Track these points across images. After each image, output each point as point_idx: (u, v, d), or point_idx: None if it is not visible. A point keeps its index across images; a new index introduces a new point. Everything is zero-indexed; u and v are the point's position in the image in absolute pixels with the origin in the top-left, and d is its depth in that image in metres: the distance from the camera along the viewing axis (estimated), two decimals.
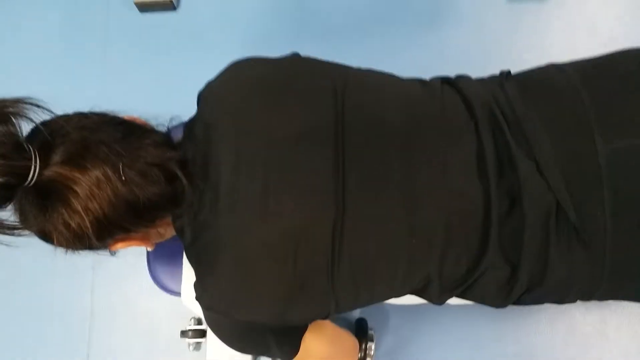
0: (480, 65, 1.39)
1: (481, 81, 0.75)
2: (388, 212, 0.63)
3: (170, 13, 1.62)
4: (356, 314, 1.17)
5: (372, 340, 0.97)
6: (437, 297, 0.69)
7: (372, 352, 0.95)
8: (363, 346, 0.94)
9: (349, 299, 0.65)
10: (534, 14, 1.43)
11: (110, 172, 0.56)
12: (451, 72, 1.39)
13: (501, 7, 1.44)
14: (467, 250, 0.65)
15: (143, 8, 1.61)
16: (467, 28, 1.45)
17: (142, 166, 0.59)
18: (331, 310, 0.65)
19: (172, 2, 1.58)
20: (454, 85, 0.72)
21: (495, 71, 1.40)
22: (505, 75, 0.74)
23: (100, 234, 0.58)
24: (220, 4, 1.60)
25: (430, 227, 0.64)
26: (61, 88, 1.57)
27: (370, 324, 1.07)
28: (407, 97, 0.70)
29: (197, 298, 0.64)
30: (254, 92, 0.67)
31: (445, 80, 0.75)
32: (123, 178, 0.56)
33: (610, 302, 0.80)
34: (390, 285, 0.67)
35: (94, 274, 1.45)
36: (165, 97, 1.48)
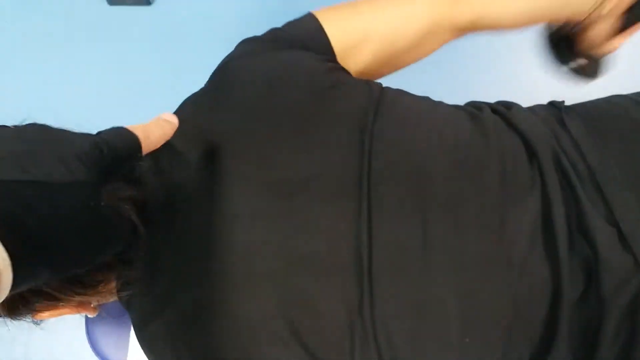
0: (474, 80, 1.28)
1: (534, 113, 0.57)
2: (430, 297, 0.46)
3: (143, 8, 1.44)
4: None
5: None
6: None
7: None
8: None
9: None
10: (534, 29, 1.30)
11: None
12: (440, 88, 1.26)
13: None
14: (529, 348, 0.48)
15: (113, 0, 1.43)
16: (460, 41, 1.31)
17: None
18: None
19: None
20: (507, 119, 0.55)
21: (490, 92, 1.24)
22: (563, 108, 0.57)
23: (11, 303, 0.40)
24: (200, 1, 1.43)
25: (488, 319, 0.47)
26: (13, 82, 1.37)
27: None
28: (453, 136, 0.52)
29: None
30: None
31: (494, 110, 0.58)
32: None
33: None
34: None
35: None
36: (131, 103, 1.29)
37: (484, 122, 0.54)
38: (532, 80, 1.29)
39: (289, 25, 0.58)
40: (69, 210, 0.28)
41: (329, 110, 0.50)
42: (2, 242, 0.24)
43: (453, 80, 1.31)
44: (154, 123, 0.36)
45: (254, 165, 0.47)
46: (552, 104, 0.59)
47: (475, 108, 0.58)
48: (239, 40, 0.59)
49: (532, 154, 0.51)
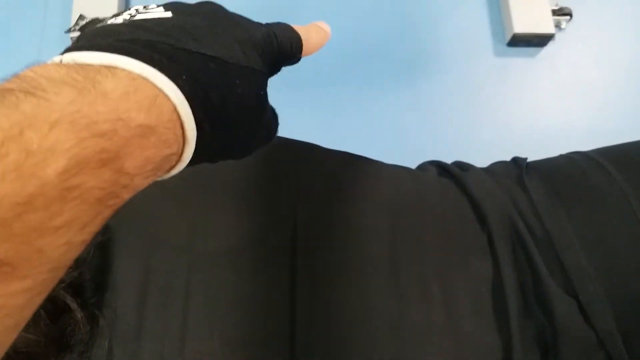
0: (463, 121, 1.27)
1: (491, 174, 0.55)
2: None
3: None
4: None
5: None
6: None
7: None
8: None
9: None
10: (524, 70, 1.29)
11: None
12: (429, 129, 1.25)
13: (488, 61, 1.30)
14: None
15: None
16: (450, 82, 1.30)
17: None
18: None
19: None
20: (457, 180, 0.54)
21: (480, 132, 1.22)
22: (525, 166, 0.55)
23: None
24: None
25: None
26: None
27: None
28: (392, 200, 0.50)
29: None
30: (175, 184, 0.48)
31: (443, 171, 0.56)
32: None
33: None
34: None
35: None
36: None
37: (425, 182, 0.52)
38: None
39: None
40: (242, 94, 0.27)
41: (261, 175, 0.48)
42: (193, 112, 0.24)
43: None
44: (313, 29, 0.35)
45: (184, 235, 0.45)
46: (515, 161, 0.58)
47: (419, 169, 0.57)
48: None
49: (482, 220, 0.49)
